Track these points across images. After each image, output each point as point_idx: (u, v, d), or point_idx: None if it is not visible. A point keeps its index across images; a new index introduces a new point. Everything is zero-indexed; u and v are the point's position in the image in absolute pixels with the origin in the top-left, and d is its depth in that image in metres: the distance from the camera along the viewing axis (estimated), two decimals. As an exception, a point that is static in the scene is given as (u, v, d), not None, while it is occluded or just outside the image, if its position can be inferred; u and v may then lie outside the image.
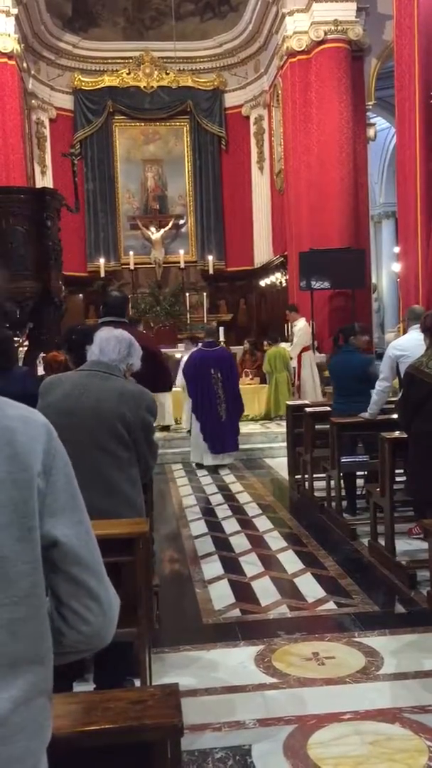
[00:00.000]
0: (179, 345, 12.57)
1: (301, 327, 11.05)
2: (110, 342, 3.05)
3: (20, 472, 1.05)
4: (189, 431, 9.14)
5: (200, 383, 8.40)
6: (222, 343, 12.79)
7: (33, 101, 15.24)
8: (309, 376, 10.83)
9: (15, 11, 12.37)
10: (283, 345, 11.30)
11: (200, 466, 8.68)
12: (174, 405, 10.13)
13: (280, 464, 8.48)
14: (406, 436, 4.53)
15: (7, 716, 1.02)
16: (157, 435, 5.64)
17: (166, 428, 9.98)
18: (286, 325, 13.05)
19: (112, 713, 1.37)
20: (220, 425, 8.37)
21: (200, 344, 9.28)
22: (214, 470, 8.52)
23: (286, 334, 12.52)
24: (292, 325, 11.42)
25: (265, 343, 12.74)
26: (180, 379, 9.21)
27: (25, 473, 1.06)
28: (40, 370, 7.34)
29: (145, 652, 2.79)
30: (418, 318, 5.53)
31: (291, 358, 10.92)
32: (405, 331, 6.17)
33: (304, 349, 10.95)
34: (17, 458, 1.06)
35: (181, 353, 9.97)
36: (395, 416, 5.25)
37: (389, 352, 5.49)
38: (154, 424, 3.18)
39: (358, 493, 6.31)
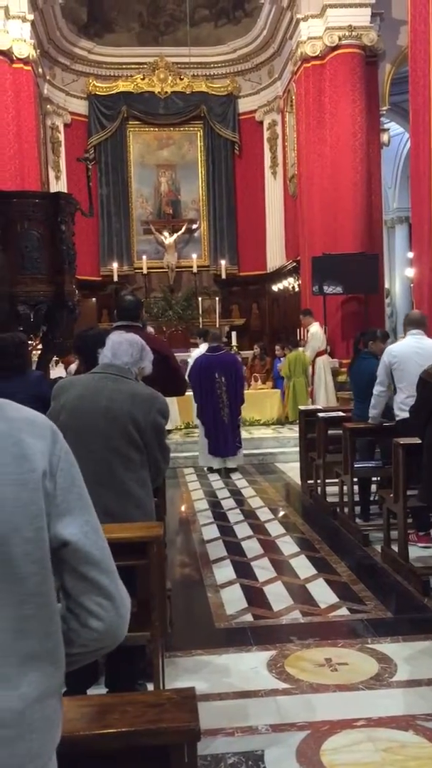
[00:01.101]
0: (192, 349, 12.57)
1: (314, 332, 11.01)
2: (122, 345, 3.07)
3: (28, 473, 1.06)
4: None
5: (205, 387, 8.46)
6: (234, 348, 12.83)
7: (48, 106, 15.35)
8: (322, 381, 10.77)
9: (31, 17, 12.45)
10: (301, 350, 11.28)
11: (212, 470, 8.70)
12: (186, 409, 10.13)
13: (292, 469, 8.47)
14: (420, 441, 4.51)
15: (19, 713, 1.03)
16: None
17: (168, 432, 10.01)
18: (298, 330, 13.03)
19: (129, 716, 1.37)
20: (223, 428, 8.45)
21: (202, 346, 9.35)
22: (226, 474, 8.53)
23: (299, 339, 12.50)
24: (306, 330, 11.38)
25: (277, 347, 12.74)
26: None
27: (33, 474, 1.07)
28: (55, 373, 7.38)
29: (159, 656, 2.79)
30: (414, 323, 5.58)
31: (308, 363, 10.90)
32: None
33: (319, 354, 10.89)
34: (25, 459, 1.07)
35: (190, 355, 9.96)
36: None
37: (384, 358, 5.54)
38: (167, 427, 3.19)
39: (371, 498, 6.29)
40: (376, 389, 5.62)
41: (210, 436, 8.50)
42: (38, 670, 1.06)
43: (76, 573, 1.11)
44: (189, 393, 9.17)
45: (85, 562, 1.12)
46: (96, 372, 3.09)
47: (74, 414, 2.92)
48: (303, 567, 5.06)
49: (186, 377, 8.56)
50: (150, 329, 7.21)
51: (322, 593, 4.51)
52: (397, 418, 5.45)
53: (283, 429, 10.59)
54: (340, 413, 7.00)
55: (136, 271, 16.36)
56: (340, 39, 12.06)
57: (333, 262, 11.53)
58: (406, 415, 5.23)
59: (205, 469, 8.79)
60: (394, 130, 16.25)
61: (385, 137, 13.39)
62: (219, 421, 8.43)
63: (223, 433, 8.47)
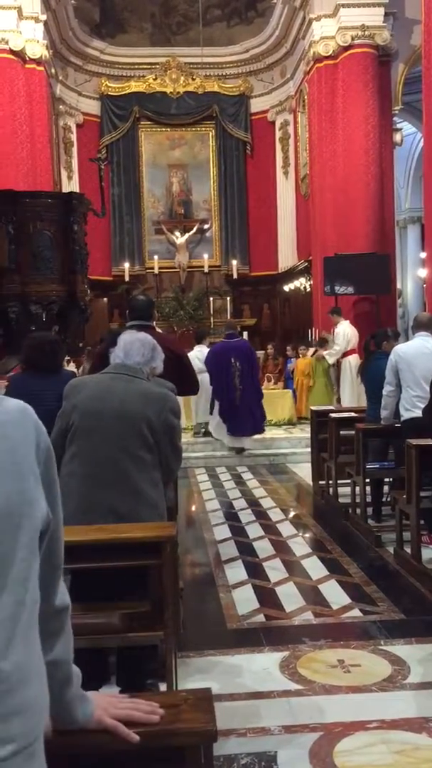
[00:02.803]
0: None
1: (337, 331, 10.76)
2: (134, 345, 3.07)
3: (19, 462, 1.09)
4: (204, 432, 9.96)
5: (221, 369, 9.00)
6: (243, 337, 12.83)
7: (60, 107, 15.39)
8: (347, 381, 10.54)
9: (44, 17, 12.49)
10: (319, 353, 11.19)
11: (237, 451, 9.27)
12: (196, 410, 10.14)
13: (304, 470, 8.45)
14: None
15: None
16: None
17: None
18: (310, 330, 13.00)
19: (144, 717, 1.37)
20: (234, 409, 9.02)
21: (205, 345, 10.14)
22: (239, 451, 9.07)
23: (310, 339, 12.46)
24: (330, 330, 11.18)
25: (289, 348, 12.69)
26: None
27: (24, 464, 1.10)
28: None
29: (172, 656, 2.79)
30: (422, 326, 5.62)
31: (331, 365, 10.79)
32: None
33: (350, 353, 10.63)
34: (14, 449, 1.09)
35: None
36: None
37: (391, 357, 5.57)
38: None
39: (384, 499, 6.26)
40: (385, 389, 5.62)
41: (225, 418, 9.10)
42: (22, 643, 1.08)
43: (48, 560, 1.17)
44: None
45: (57, 549, 1.19)
46: (108, 372, 3.09)
47: (86, 414, 2.92)
48: (315, 568, 5.04)
49: (203, 363, 8.97)
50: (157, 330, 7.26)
51: (335, 594, 4.50)
52: (403, 418, 5.44)
53: (295, 429, 10.57)
54: (353, 414, 6.98)
55: (148, 271, 16.39)
56: (352, 39, 12.02)
57: (345, 263, 11.49)
58: (413, 414, 5.22)
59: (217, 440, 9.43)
60: (406, 129, 16.17)
61: (397, 137, 13.33)
62: (232, 401, 9.01)
63: (234, 412, 9.04)
